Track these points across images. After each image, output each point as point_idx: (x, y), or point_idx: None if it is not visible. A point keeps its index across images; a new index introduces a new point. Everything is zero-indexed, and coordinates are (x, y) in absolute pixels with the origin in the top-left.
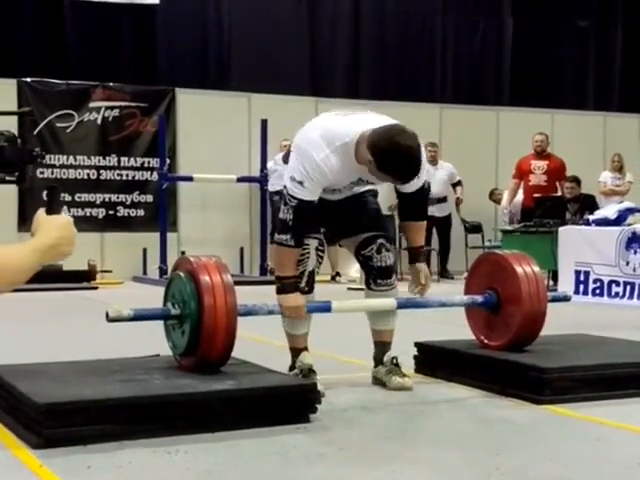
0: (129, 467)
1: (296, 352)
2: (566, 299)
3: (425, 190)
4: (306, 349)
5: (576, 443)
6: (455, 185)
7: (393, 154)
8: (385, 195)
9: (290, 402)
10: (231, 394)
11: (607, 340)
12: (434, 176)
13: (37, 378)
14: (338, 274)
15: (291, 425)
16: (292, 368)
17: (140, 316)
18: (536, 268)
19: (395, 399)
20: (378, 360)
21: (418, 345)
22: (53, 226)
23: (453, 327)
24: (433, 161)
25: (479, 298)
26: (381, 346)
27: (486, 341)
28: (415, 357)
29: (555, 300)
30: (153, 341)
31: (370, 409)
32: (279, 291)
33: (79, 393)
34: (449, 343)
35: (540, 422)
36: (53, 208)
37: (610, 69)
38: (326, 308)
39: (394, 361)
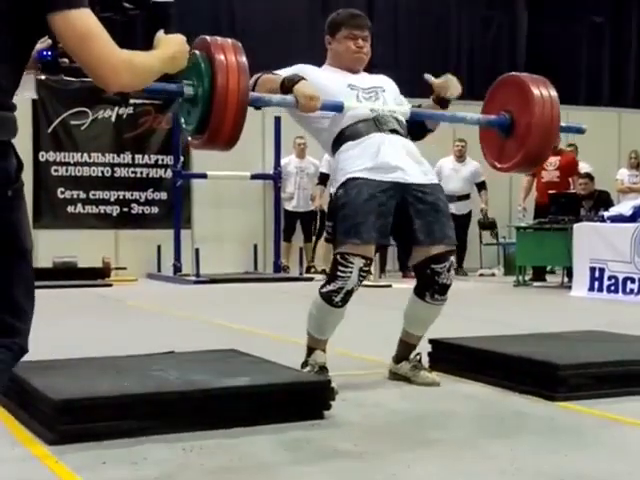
0: (144, 463)
1: (312, 350)
2: (580, 131)
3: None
4: (323, 350)
5: (591, 440)
6: (480, 188)
7: (336, 13)
8: None
9: (304, 398)
10: (246, 390)
11: (622, 337)
12: (459, 172)
13: (52, 374)
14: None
15: (305, 421)
16: (305, 364)
17: (152, 89)
18: (553, 92)
19: (409, 396)
20: (401, 357)
21: (432, 342)
22: (172, 42)
23: (467, 322)
24: (460, 156)
25: (493, 117)
26: (407, 347)
27: (498, 165)
28: (429, 354)
29: (569, 130)
30: (168, 338)
31: (384, 405)
32: None
33: (94, 389)
34: (464, 340)
35: (555, 419)
36: (170, 30)
37: (625, 65)
38: None
39: (418, 357)
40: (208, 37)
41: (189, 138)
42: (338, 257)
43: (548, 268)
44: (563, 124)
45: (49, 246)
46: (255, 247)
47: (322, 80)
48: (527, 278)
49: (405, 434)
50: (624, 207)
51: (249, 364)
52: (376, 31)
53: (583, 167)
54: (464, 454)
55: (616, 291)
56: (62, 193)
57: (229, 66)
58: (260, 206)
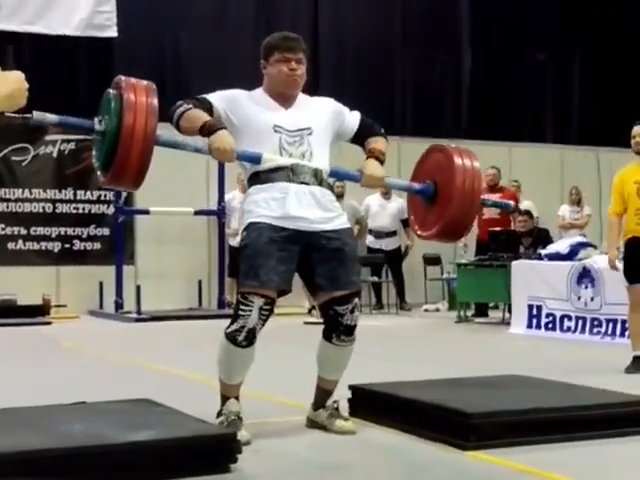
0: None
1: (225, 399)
2: (507, 208)
3: (366, 118)
4: (236, 398)
5: None
6: (405, 224)
7: (270, 37)
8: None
9: (209, 452)
10: (148, 445)
11: (541, 382)
12: (385, 208)
13: None
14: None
15: (211, 476)
16: (219, 414)
17: (65, 123)
18: (476, 164)
19: (321, 445)
20: (318, 404)
21: (352, 388)
22: (10, 79)
23: (399, 363)
24: (386, 193)
25: (417, 185)
26: (324, 393)
27: (419, 232)
28: (349, 400)
29: (496, 206)
30: (93, 385)
31: (295, 455)
32: None
33: None
34: (381, 386)
35: (463, 469)
36: (7, 66)
37: (568, 102)
38: None
39: (335, 405)
40: (123, 77)
41: (98, 174)
42: (239, 296)
43: (492, 304)
44: (490, 200)
45: None
46: (200, 283)
47: (249, 116)
48: (470, 314)
49: None
50: (561, 245)
51: (159, 415)
52: (321, 67)
53: (527, 205)
54: None
55: (554, 329)
56: (2, 229)
57: (137, 106)
58: (205, 242)
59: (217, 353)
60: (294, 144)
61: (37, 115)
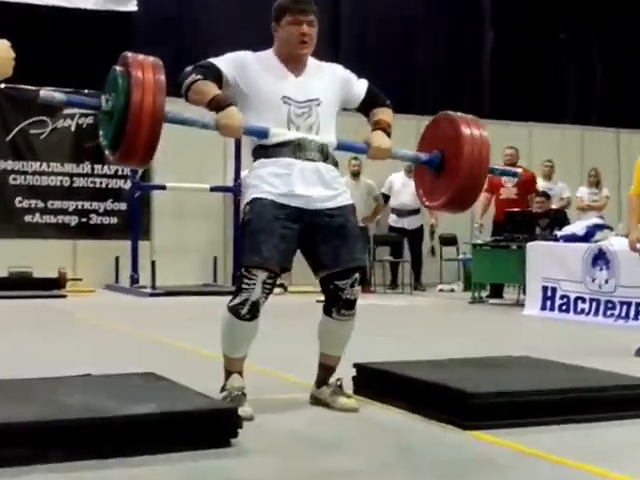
0: None
1: (229, 374)
2: (515, 175)
3: (373, 87)
4: (240, 373)
5: (492, 474)
6: None
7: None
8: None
9: (209, 426)
10: (146, 418)
11: (548, 363)
12: (408, 186)
13: None
14: None
15: (211, 450)
16: (222, 389)
17: (72, 102)
18: (484, 133)
19: (323, 422)
20: (321, 382)
21: (357, 366)
22: None
23: (410, 343)
24: (410, 172)
25: (424, 156)
26: (326, 370)
27: (427, 202)
28: (353, 378)
29: (504, 174)
30: (101, 358)
31: (297, 431)
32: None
33: None
34: (386, 365)
35: (463, 448)
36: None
37: (590, 83)
38: None
39: (338, 383)
40: (129, 54)
41: (106, 152)
42: (243, 270)
43: (514, 285)
44: (498, 167)
45: (5, 256)
46: (215, 259)
47: (258, 85)
48: (485, 295)
49: (307, 463)
50: (577, 227)
51: (161, 390)
52: (341, 47)
53: (561, 187)
54: None
55: (567, 311)
56: (20, 202)
57: (145, 83)
58: (220, 218)
59: (220, 327)
60: (302, 115)
61: (44, 94)
